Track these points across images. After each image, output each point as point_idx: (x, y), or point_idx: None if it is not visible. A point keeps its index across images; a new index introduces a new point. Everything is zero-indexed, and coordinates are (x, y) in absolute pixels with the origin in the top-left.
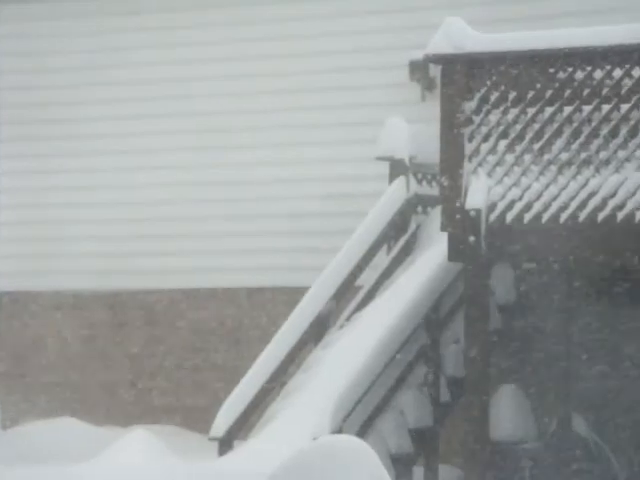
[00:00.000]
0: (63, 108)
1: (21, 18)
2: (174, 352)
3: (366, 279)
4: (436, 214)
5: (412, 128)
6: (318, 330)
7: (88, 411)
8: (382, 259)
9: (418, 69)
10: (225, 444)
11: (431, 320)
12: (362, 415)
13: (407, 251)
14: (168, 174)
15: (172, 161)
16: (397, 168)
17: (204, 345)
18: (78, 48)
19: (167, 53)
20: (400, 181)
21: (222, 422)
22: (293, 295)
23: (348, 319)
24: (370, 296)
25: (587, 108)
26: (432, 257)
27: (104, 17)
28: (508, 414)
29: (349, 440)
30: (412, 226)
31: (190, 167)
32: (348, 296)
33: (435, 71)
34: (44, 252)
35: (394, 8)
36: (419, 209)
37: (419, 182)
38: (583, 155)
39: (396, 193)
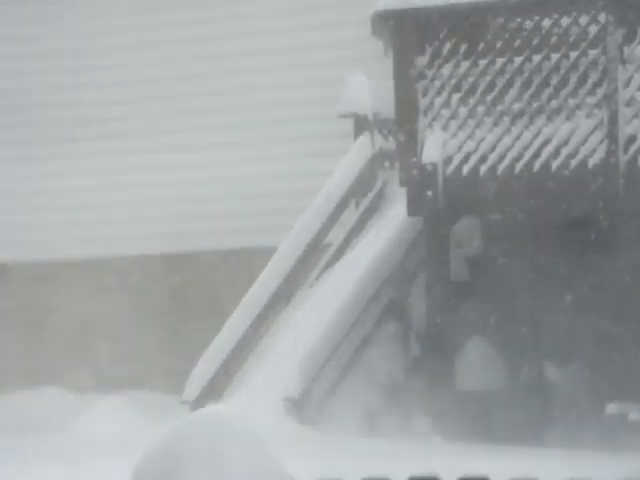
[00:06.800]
0: None
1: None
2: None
3: (335, 237)
4: None
5: (375, 84)
6: (288, 290)
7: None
8: (350, 216)
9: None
10: (197, 408)
11: (398, 275)
12: (332, 373)
13: (375, 207)
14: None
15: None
16: (361, 125)
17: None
18: None
19: None
20: (365, 137)
21: (193, 386)
22: (264, 256)
23: (317, 278)
24: (339, 254)
25: (537, 57)
26: (398, 212)
27: None
28: (475, 365)
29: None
30: (379, 182)
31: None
32: (317, 254)
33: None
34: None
35: None
36: (386, 165)
37: (385, 138)
38: (535, 105)
39: (361, 150)
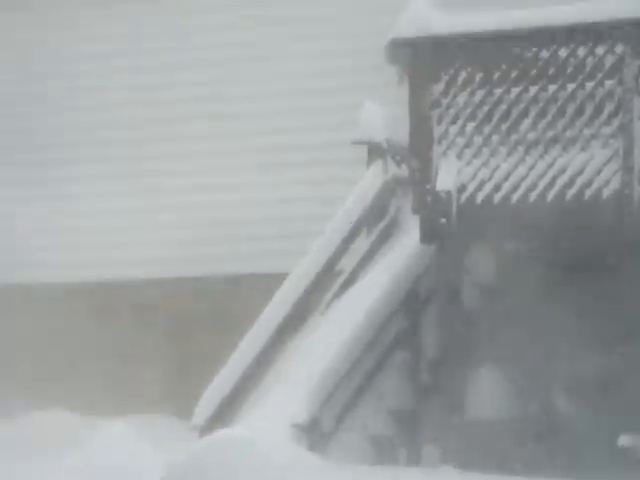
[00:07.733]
0: None
1: None
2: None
3: (346, 264)
4: None
5: (389, 111)
6: (299, 317)
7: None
8: (362, 244)
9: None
10: (206, 433)
11: (409, 303)
12: (342, 401)
13: (387, 235)
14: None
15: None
16: (375, 152)
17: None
18: None
19: None
20: (378, 165)
21: (203, 411)
22: (277, 282)
23: (328, 305)
24: (350, 281)
25: (553, 87)
26: (410, 240)
27: None
28: (486, 394)
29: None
30: (392, 209)
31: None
32: (328, 282)
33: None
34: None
35: None
36: (399, 192)
37: (398, 165)
38: (550, 134)
39: (374, 177)
